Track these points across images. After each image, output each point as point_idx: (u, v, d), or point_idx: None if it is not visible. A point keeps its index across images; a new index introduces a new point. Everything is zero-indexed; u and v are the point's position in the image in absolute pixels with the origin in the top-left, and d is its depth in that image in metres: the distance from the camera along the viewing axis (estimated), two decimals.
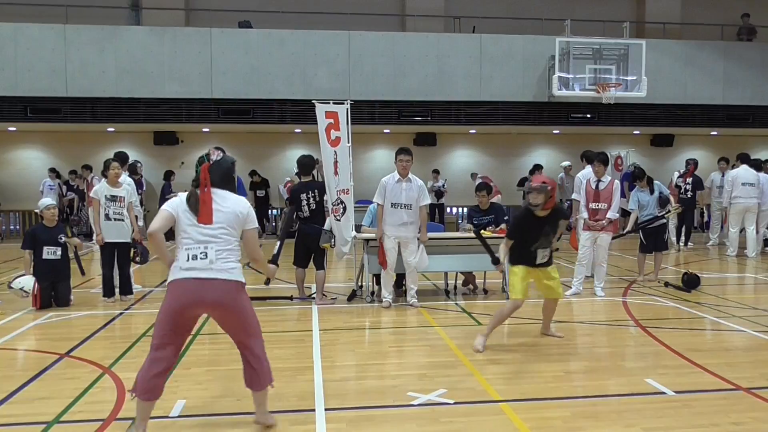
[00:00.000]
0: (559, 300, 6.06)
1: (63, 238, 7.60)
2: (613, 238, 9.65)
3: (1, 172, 16.52)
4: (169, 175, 15.69)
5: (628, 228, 9.54)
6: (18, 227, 16.67)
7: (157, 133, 16.87)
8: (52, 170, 16.02)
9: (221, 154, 3.89)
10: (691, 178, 13.54)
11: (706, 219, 15.42)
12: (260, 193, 17.14)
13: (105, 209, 7.74)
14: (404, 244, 7.44)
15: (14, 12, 14.64)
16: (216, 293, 3.60)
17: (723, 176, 13.61)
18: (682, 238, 13.72)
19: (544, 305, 6.15)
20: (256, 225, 3.87)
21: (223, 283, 3.61)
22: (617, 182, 8.24)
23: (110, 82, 14.23)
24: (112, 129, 16.29)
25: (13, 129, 16.11)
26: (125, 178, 8.15)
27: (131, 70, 14.29)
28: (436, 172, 17.24)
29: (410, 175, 7.51)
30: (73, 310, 7.44)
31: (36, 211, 7.99)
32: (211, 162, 3.80)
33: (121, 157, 8.12)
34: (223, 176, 3.79)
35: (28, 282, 7.40)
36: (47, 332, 6.51)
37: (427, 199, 7.61)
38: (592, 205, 8.12)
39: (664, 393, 4.51)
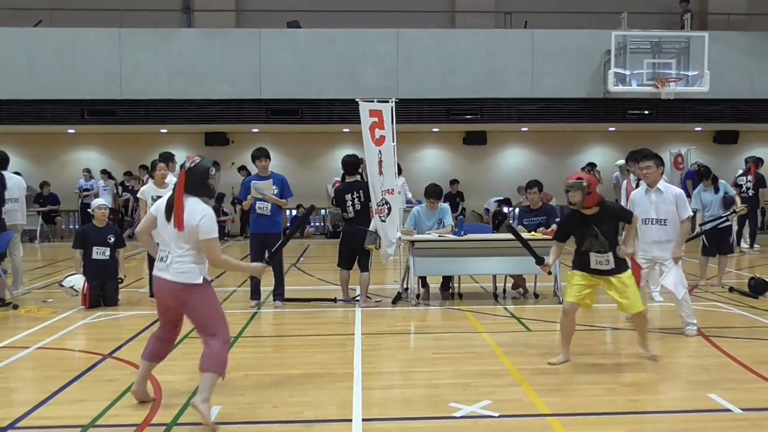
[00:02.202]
0: (641, 314, 5.18)
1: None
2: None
3: (61, 173, 17.04)
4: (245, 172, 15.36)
5: (696, 231, 8.97)
6: (77, 227, 17.20)
7: (208, 134, 17.10)
8: (104, 171, 16.42)
9: (197, 160, 4.03)
10: (752, 176, 12.81)
11: None
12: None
13: None
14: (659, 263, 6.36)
15: (72, 17, 15.08)
16: (169, 292, 4.01)
17: None
18: (746, 239, 12.97)
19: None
20: (212, 235, 3.94)
21: (172, 284, 3.97)
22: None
23: (163, 84, 14.48)
24: (165, 130, 16.60)
25: (72, 131, 16.62)
26: (171, 178, 8.19)
27: (183, 71, 14.53)
28: (455, 182, 16.75)
29: (662, 185, 6.31)
30: (120, 309, 7.52)
31: (88, 210, 8.13)
32: (186, 168, 3.99)
33: (166, 158, 8.15)
34: (197, 182, 3.99)
35: (78, 281, 7.53)
36: (94, 332, 6.58)
37: (688, 212, 6.21)
38: None
39: (729, 410, 4.15)
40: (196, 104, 14.74)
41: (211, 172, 4.05)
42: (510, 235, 8.17)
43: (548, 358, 5.37)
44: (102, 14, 15.06)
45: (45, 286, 9.18)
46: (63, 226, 16.78)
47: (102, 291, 7.61)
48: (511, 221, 14.97)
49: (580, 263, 5.22)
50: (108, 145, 17.40)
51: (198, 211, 3.91)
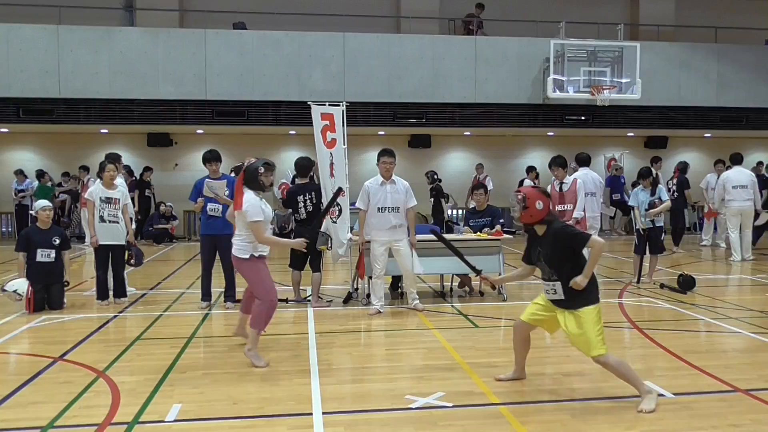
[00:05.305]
0: (599, 359, 4.27)
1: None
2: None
3: None
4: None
5: (640, 225, 9.34)
6: (11, 229, 16.60)
7: (150, 134, 16.80)
8: (40, 172, 15.89)
9: (252, 161, 5.42)
10: (676, 179, 13.59)
11: (697, 221, 15.50)
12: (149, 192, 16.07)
13: (100, 211, 7.68)
14: (396, 248, 7.30)
15: (7, 12, 14.54)
16: (233, 260, 5.40)
17: (718, 178, 13.72)
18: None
19: None
20: (255, 218, 5.09)
21: (233, 255, 5.33)
22: (580, 182, 8.39)
23: (104, 83, 14.16)
24: (106, 130, 16.21)
25: (5, 130, 16.01)
26: (119, 179, 8.10)
27: (125, 71, 14.23)
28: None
29: (394, 177, 7.35)
30: (66, 313, 7.38)
31: (31, 212, 7.93)
32: (244, 167, 5.35)
33: (114, 158, 8.04)
34: (250, 178, 5.27)
35: (21, 285, 7.33)
36: (41, 335, 6.44)
37: (414, 201, 7.41)
38: (559, 207, 8.19)
39: (662, 395, 4.49)
40: (139, 104, 14.47)
41: (260, 171, 5.22)
42: (455, 236, 8.53)
43: (494, 352, 5.64)
44: (38, 10, 14.58)
45: None
46: None
47: (47, 294, 7.45)
48: (455, 223, 15.31)
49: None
50: (44, 145, 16.85)
51: (247, 200, 5.16)
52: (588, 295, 4.29)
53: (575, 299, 4.30)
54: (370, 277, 8.09)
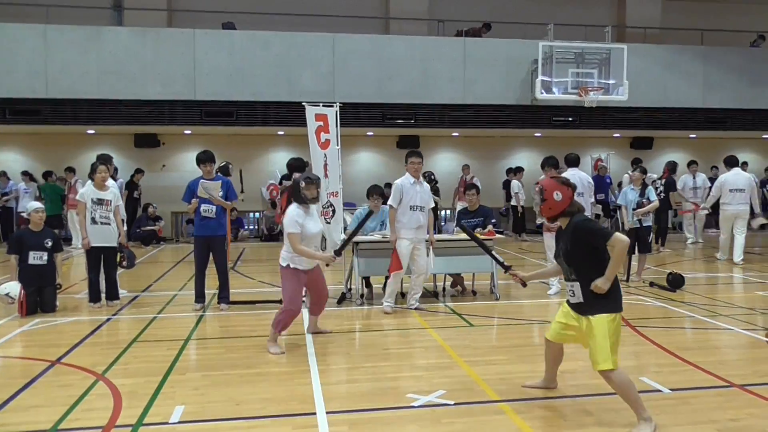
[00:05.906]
0: (606, 374, 4.05)
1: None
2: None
3: None
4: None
5: (627, 224, 9.47)
6: None
7: (137, 135, 16.67)
8: (26, 173, 15.71)
9: (296, 176, 5.91)
10: (664, 180, 13.76)
11: (679, 221, 15.81)
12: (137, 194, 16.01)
13: (91, 213, 7.62)
14: (417, 247, 7.43)
15: None
16: None
17: (694, 179, 13.98)
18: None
19: None
20: (288, 230, 5.63)
21: None
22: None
23: (92, 84, 14.02)
24: (92, 131, 16.06)
25: None
26: (111, 181, 8.05)
27: (113, 71, 14.09)
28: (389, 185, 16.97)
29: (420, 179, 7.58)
30: (59, 316, 7.32)
31: (23, 214, 7.85)
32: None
33: (105, 159, 7.99)
34: (292, 192, 5.81)
35: (14, 288, 7.25)
36: (35, 339, 6.39)
37: (432, 203, 7.67)
38: None
39: (660, 391, 4.58)
40: (127, 105, 14.34)
41: (302, 185, 5.71)
42: (447, 236, 8.59)
43: (491, 351, 5.69)
44: (26, 9, 14.42)
45: None
46: None
47: (39, 297, 7.38)
48: (443, 224, 15.39)
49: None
50: (30, 145, 16.64)
51: (287, 212, 5.72)
52: (607, 302, 4.02)
53: (594, 304, 4.03)
54: (365, 277, 8.16)
